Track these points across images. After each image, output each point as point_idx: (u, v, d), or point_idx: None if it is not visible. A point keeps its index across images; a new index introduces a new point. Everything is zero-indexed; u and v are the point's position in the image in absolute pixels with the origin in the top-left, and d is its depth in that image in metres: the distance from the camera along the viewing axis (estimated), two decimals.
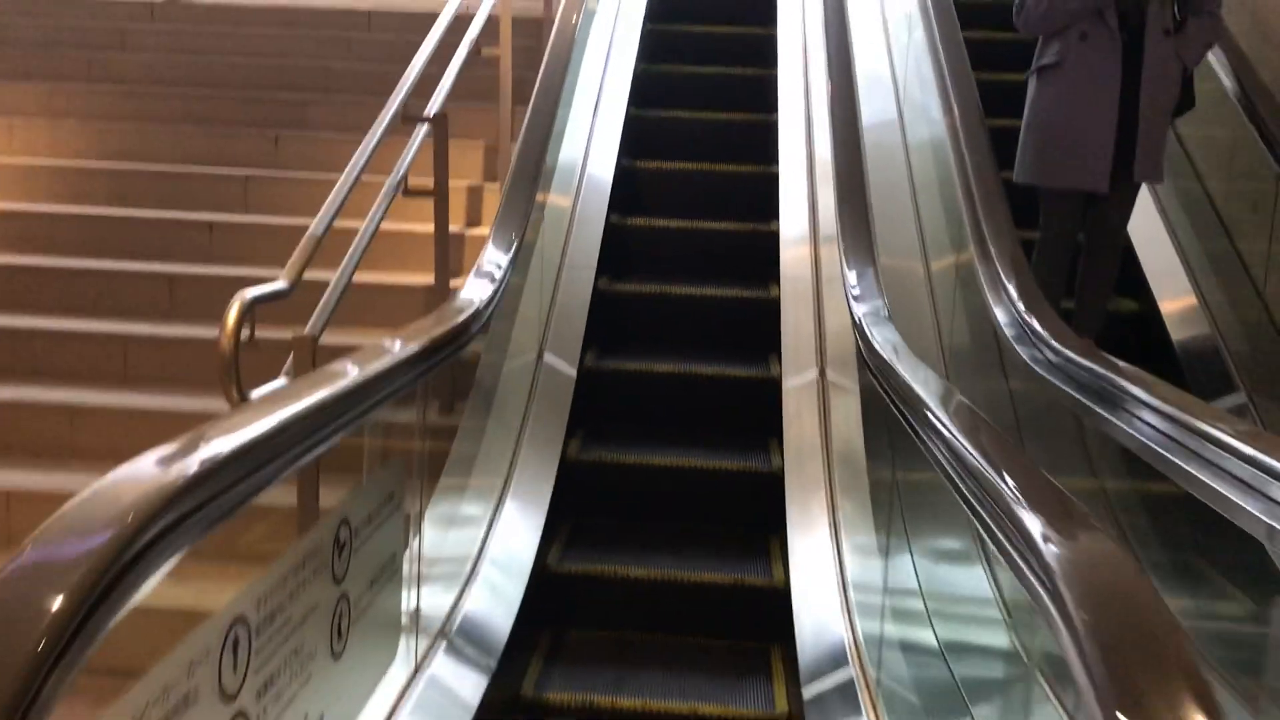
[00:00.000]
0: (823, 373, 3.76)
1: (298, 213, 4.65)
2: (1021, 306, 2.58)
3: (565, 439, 3.62)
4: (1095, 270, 3.75)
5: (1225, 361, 3.57)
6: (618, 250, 4.53)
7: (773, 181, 4.81)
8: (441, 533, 2.80)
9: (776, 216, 4.62)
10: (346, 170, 3.41)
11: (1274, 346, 3.53)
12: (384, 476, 2.00)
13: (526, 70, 5.60)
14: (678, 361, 4.01)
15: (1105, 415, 2.11)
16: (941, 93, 3.90)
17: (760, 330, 4.16)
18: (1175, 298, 3.87)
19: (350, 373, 1.90)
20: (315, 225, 3.09)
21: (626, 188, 4.80)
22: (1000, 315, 2.73)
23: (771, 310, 4.16)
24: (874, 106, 4.83)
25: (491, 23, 5.23)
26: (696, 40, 5.92)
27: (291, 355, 2.84)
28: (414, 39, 4.74)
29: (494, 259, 2.65)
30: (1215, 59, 3.89)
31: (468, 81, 5.64)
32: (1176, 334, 3.80)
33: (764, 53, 5.70)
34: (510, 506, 3.29)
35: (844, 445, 3.37)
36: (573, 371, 3.79)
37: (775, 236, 4.53)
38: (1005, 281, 2.72)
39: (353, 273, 3.56)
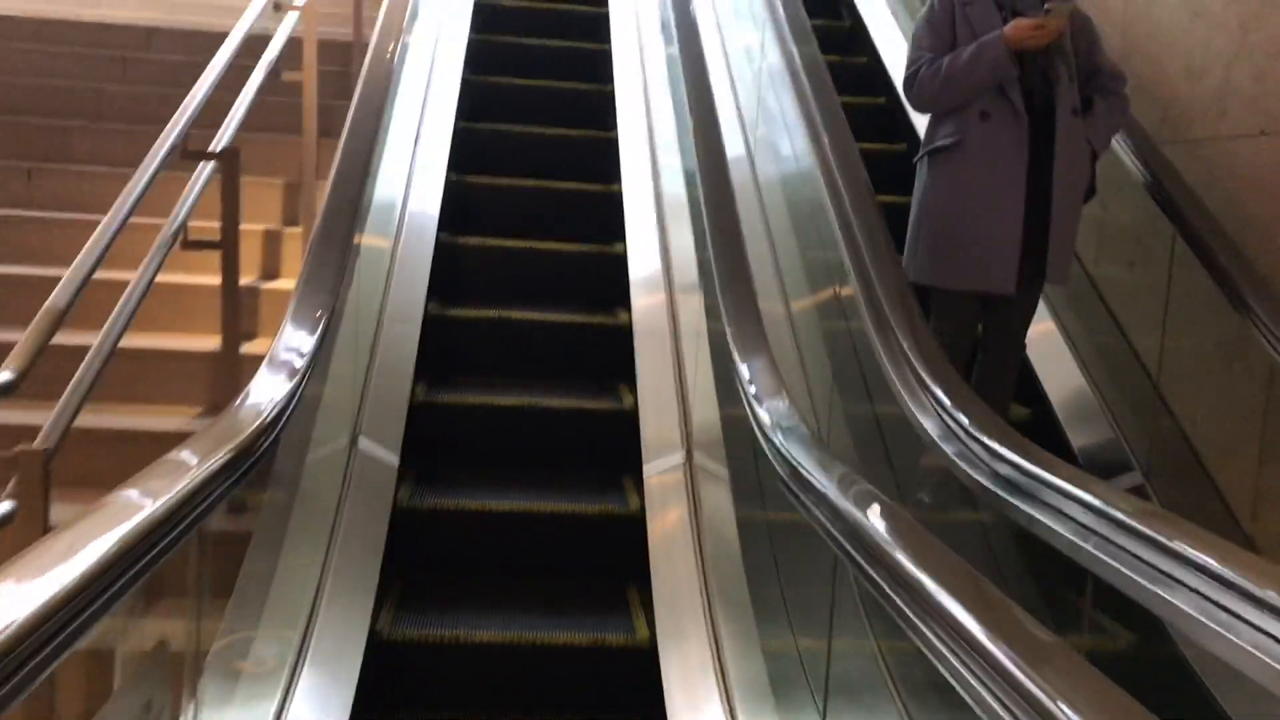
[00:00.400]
0: (689, 456, 3.25)
1: (55, 261, 3.87)
2: (965, 420, 2.08)
3: (393, 492, 3.03)
4: (994, 379, 3.26)
5: (1130, 464, 3.22)
6: (447, 295, 3.93)
7: (617, 205, 4.36)
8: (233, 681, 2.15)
9: (624, 248, 4.12)
10: (105, 221, 2.72)
11: (1180, 448, 3.21)
12: (137, 687, 1.37)
13: (334, 100, 4.98)
14: (521, 395, 3.48)
15: (1101, 556, 1.66)
16: (813, 140, 3.45)
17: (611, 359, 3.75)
18: (1072, 400, 3.46)
19: (97, 541, 1.30)
20: (56, 295, 2.39)
21: (454, 222, 4.22)
22: (930, 426, 2.23)
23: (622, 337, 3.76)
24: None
25: (293, 45, 4.58)
26: (526, 53, 5.39)
27: (16, 479, 2.14)
28: (203, 61, 4.09)
29: (296, 341, 2.02)
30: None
31: (265, 111, 4.94)
32: (1076, 440, 3.40)
33: (600, 68, 5.27)
34: (333, 573, 2.68)
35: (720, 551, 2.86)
36: (394, 460, 3.16)
37: (622, 261, 4.08)
38: (932, 386, 2.23)
39: (116, 341, 2.87)
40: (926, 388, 2.26)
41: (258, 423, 1.64)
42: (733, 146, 4.46)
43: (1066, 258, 3.21)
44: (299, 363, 1.93)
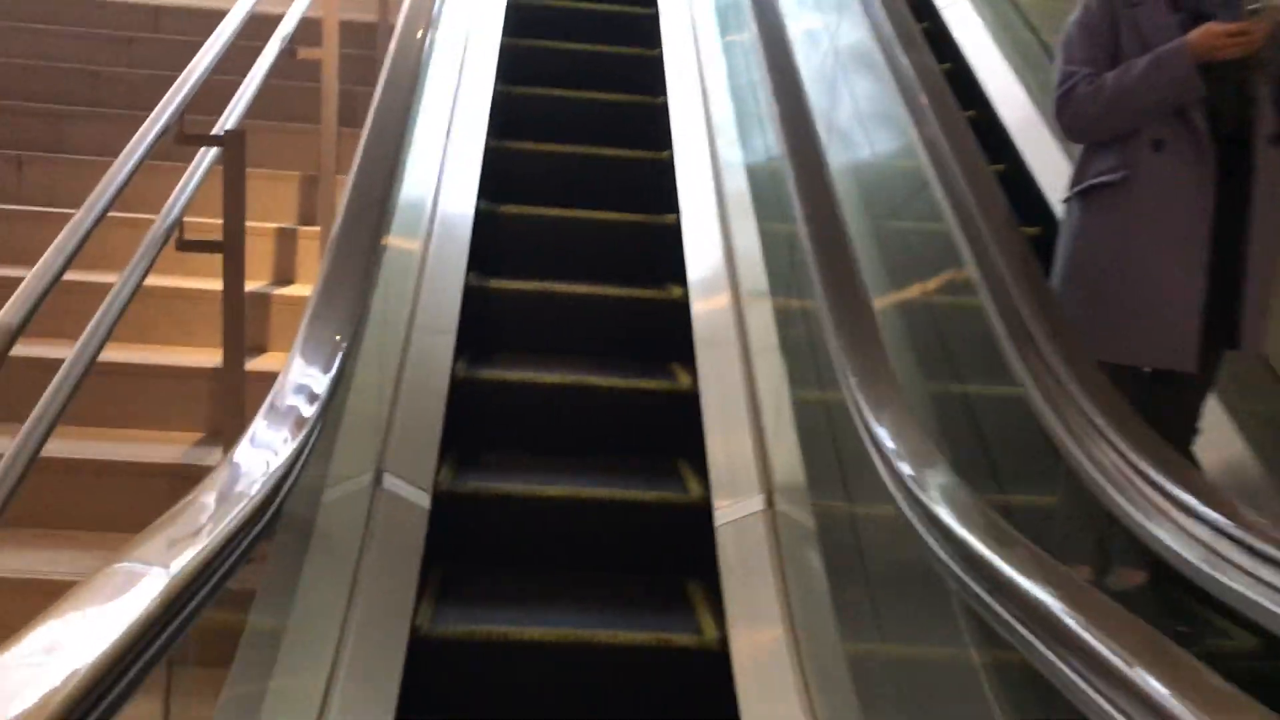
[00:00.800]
0: (770, 500, 2.75)
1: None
2: (1252, 540, 1.51)
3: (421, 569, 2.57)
4: None
5: None
6: (481, 317, 3.47)
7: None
8: None
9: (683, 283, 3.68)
10: (76, 217, 2.24)
11: None
12: None
13: (356, 85, 4.51)
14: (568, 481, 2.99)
15: None
16: (918, 124, 2.91)
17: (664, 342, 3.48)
18: (1231, 476, 2.86)
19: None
20: (7, 311, 1.91)
21: (489, 233, 3.77)
22: (1169, 539, 1.65)
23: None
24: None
25: (313, 26, 4.12)
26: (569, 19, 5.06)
27: None
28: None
29: (306, 379, 1.51)
30: None
31: (280, 96, 4.50)
32: None
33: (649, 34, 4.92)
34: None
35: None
36: (425, 501, 2.67)
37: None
38: (1163, 482, 1.64)
39: (95, 354, 2.41)
40: (1156, 485, 1.69)
41: (234, 517, 1.13)
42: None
43: (1263, 318, 2.58)
44: (309, 408, 1.43)
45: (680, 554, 2.80)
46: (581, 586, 2.72)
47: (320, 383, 1.53)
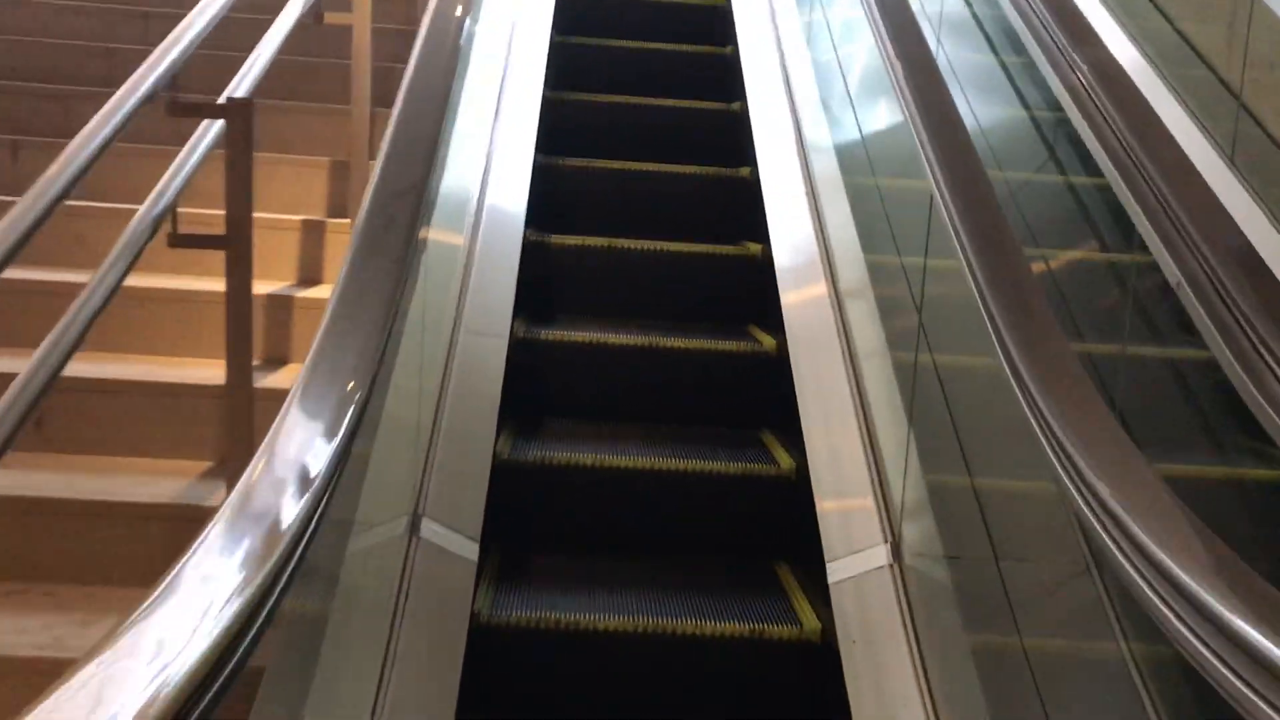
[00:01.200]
0: (896, 551, 2.21)
1: (43, 259, 2.94)
2: None
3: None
4: None
5: None
6: (541, 276, 3.22)
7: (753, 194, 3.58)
8: None
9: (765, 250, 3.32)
10: (25, 201, 1.77)
11: None
12: None
13: (394, 62, 4.05)
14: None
15: None
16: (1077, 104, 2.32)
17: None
18: None
19: None
20: None
21: (547, 189, 3.48)
22: None
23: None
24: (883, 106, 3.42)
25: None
26: None
27: None
28: (245, 19, 3.34)
29: (312, 423, 1.02)
30: None
31: (307, 73, 4.10)
32: None
33: None
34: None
35: None
36: (473, 554, 2.17)
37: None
38: None
39: (58, 369, 1.94)
40: None
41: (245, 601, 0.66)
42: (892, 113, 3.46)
43: None
44: (319, 461, 0.93)
45: (769, 532, 2.62)
46: (660, 570, 2.50)
47: (328, 436, 1.02)
